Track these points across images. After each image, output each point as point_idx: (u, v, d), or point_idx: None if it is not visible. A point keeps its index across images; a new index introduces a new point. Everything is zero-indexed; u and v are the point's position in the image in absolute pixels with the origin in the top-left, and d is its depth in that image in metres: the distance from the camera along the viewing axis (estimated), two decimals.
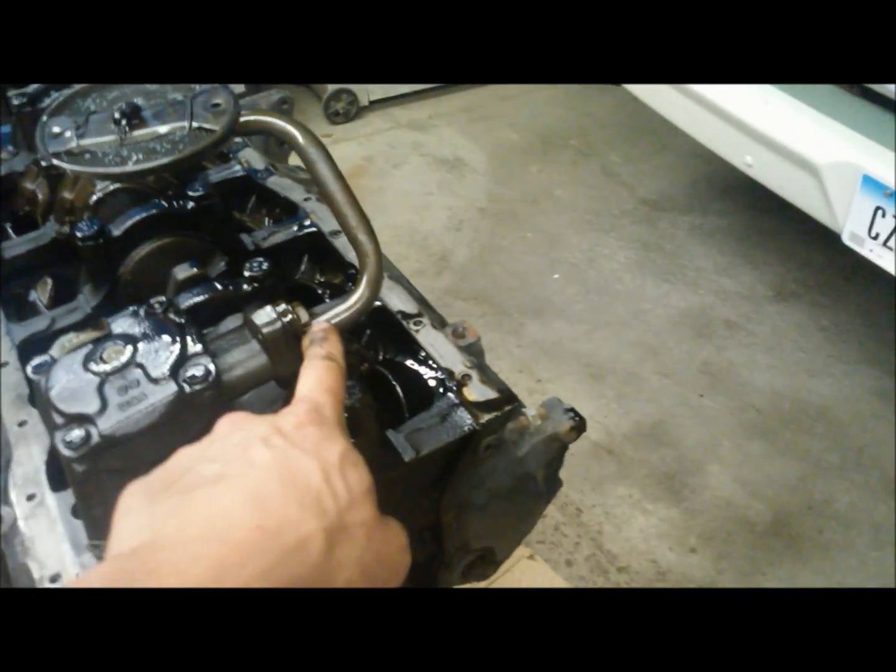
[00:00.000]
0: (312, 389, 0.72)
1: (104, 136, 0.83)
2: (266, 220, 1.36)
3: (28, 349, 1.14)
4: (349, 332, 0.97)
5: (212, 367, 0.74)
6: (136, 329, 0.77)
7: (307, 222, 1.27)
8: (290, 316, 0.79)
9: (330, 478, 0.62)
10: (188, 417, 0.74)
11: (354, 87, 4.73)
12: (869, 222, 2.59)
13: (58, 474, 0.97)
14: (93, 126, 0.83)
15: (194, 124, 0.83)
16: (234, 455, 0.63)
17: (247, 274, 1.03)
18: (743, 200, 4.06)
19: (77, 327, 1.16)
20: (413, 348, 1.14)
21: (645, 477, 2.90)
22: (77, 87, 0.89)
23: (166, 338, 0.76)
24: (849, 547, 2.65)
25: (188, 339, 0.76)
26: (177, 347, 0.75)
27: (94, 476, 0.74)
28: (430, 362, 1.10)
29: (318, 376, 0.73)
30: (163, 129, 0.83)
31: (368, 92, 4.80)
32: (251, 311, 0.84)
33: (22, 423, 1.02)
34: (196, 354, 0.75)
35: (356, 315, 0.86)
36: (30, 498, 0.94)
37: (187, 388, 0.73)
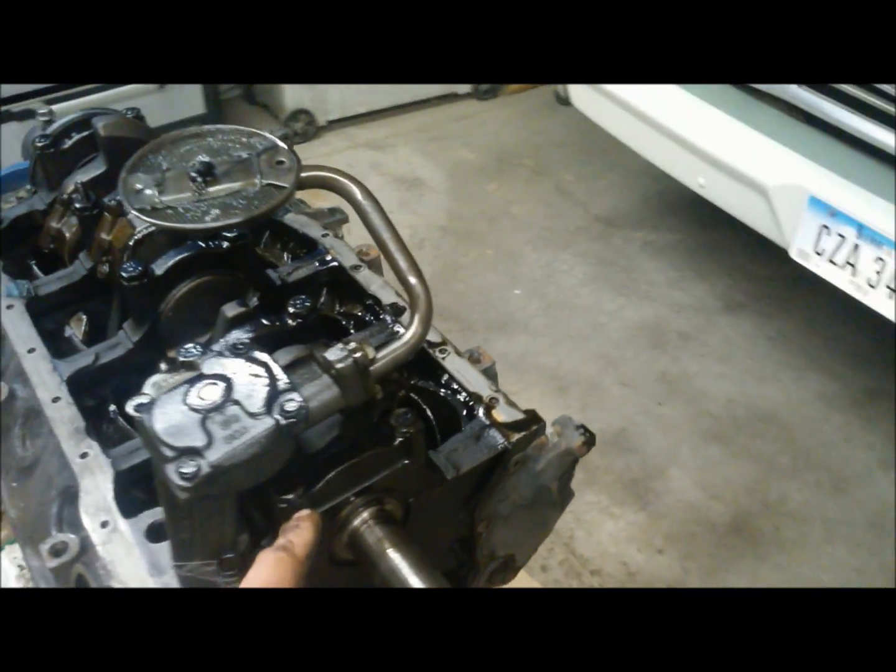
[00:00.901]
0: (249, 583, 0.79)
1: (182, 193, 0.91)
2: (285, 255, 1.44)
3: (76, 384, 1.21)
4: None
5: (301, 401, 0.83)
6: (225, 368, 0.86)
7: (328, 257, 1.36)
8: (360, 353, 0.89)
9: None
10: (280, 448, 0.83)
11: (312, 107, 4.81)
12: (815, 239, 2.78)
13: (127, 503, 1.05)
14: (170, 183, 0.92)
15: (264, 181, 0.92)
16: None
17: (291, 310, 1.11)
18: (691, 217, 4.26)
19: (120, 362, 1.24)
20: (437, 374, 1.24)
21: (611, 483, 3.04)
22: (149, 143, 0.97)
23: (256, 376, 0.85)
24: (803, 542, 2.83)
25: (275, 375, 0.85)
26: (267, 384, 0.84)
27: (194, 503, 0.83)
28: (456, 387, 1.21)
29: (257, 576, 0.81)
30: (235, 185, 0.92)
31: (326, 112, 4.88)
32: (318, 348, 0.93)
33: (84, 455, 1.09)
34: (285, 390, 0.84)
35: (411, 350, 0.96)
36: (104, 525, 1.01)
37: (282, 421, 0.82)
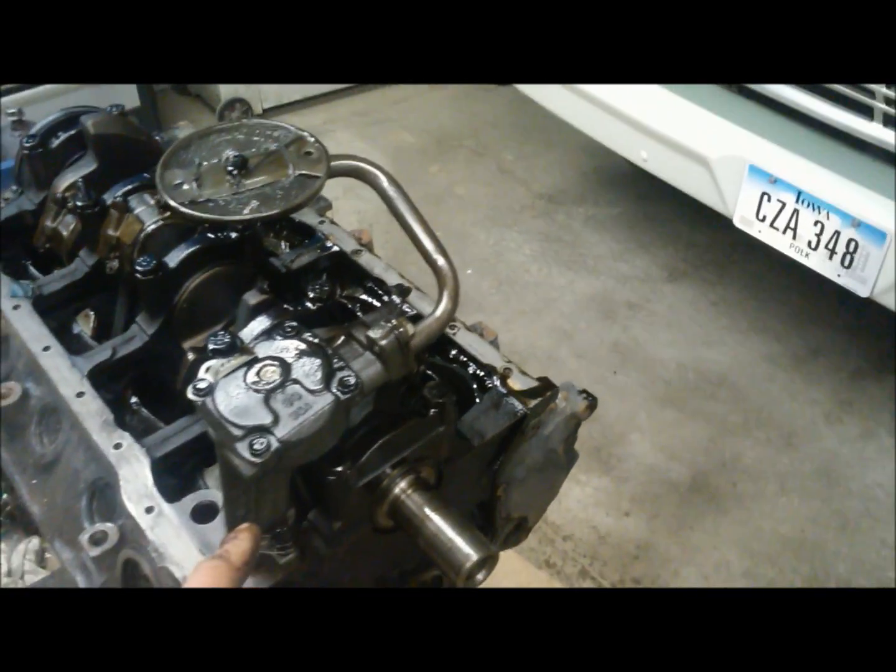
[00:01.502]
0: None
1: (220, 186, 0.94)
2: (283, 243, 1.48)
3: (95, 379, 1.23)
4: None
5: (354, 376, 0.88)
6: (280, 351, 0.90)
7: (329, 244, 1.40)
8: (401, 328, 0.94)
9: None
10: (340, 420, 0.88)
11: (247, 95, 4.77)
12: (756, 207, 2.92)
13: (163, 489, 1.08)
14: (207, 177, 0.95)
15: (296, 172, 0.96)
16: None
17: (311, 294, 1.16)
18: (630, 190, 4.39)
19: (137, 355, 1.26)
20: (445, 349, 1.30)
21: None
22: (178, 137, 1.00)
23: (310, 356, 0.89)
24: (760, 496, 2.98)
25: (328, 353, 0.90)
26: (322, 362, 0.89)
27: (258, 480, 0.87)
28: (465, 360, 1.27)
29: (194, 578, 0.84)
30: (269, 177, 0.96)
31: (261, 100, 4.86)
32: (357, 328, 0.98)
33: (118, 446, 1.12)
34: (339, 368, 0.89)
35: (442, 325, 1.01)
36: (149, 510, 1.04)
37: (341, 396, 0.87)
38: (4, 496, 1.75)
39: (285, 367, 0.89)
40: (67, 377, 1.21)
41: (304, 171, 0.96)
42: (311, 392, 0.87)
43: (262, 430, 0.84)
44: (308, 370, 0.88)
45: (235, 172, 0.95)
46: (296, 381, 0.87)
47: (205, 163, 0.97)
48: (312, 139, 1.00)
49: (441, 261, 1.01)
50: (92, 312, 1.36)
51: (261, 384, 0.87)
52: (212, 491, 1.09)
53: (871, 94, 2.59)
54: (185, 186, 0.95)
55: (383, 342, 0.93)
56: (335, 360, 0.90)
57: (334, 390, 0.87)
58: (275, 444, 0.83)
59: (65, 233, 1.42)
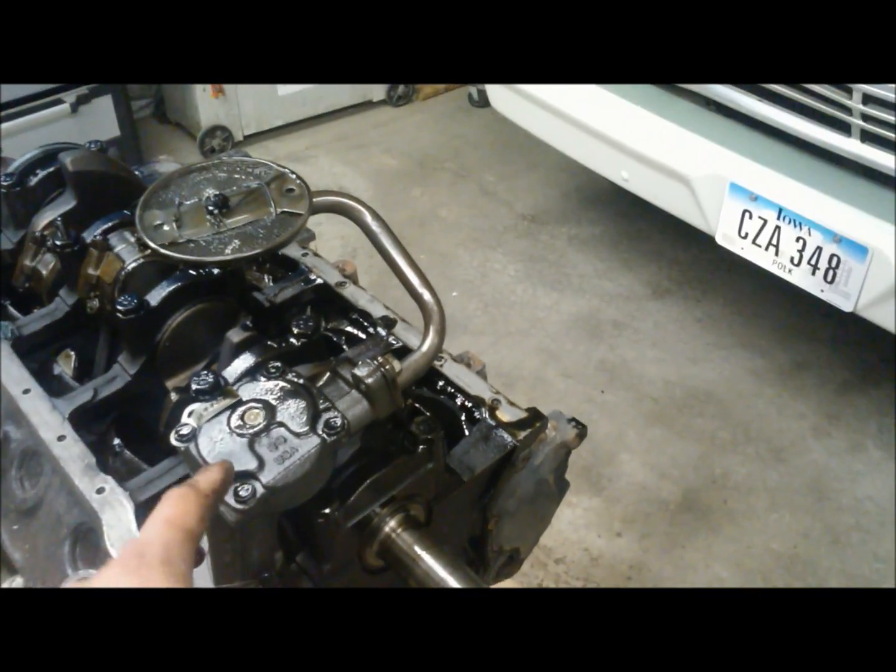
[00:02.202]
0: (148, 524, 0.76)
1: (201, 226, 0.93)
2: (265, 277, 1.46)
3: (76, 421, 1.21)
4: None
5: (340, 417, 0.87)
6: (264, 393, 0.88)
7: (312, 276, 1.39)
8: (387, 366, 0.93)
9: None
10: (326, 462, 0.87)
11: (228, 123, 4.77)
12: (738, 224, 2.93)
13: None
14: (187, 217, 0.94)
15: (278, 210, 0.95)
16: None
17: (296, 330, 1.15)
18: (612, 209, 4.41)
19: (119, 395, 1.24)
20: (433, 381, 1.29)
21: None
22: (156, 180, 0.98)
23: (295, 397, 0.88)
24: (751, 513, 2.97)
25: (313, 394, 0.89)
26: (307, 404, 0.87)
27: (243, 525, 0.85)
28: (452, 391, 1.26)
29: (159, 510, 0.77)
30: (251, 215, 0.95)
31: (242, 127, 4.85)
32: (342, 365, 0.97)
33: (100, 490, 1.10)
34: (325, 409, 0.88)
35: (429, 360, 1.01)
36: None
37: (328, 438, 0.85)
38: None
39: (270, 409, 0.87)
40: (48, 420, 1.19)
41: (286, 209, 0.95)
42: (297, 435, 0.85)
43: (247, 475, 0.83)
44: (293, 412, 0.87)
45: (216, 212, 0.94)
46: (281, 424, 0.86)
47: (185, 202, 0.96)
48: (294, 176, 0.99)
49: (427, 295, 1.00)
50: (73, 352, 1.34)
51: (245, 428, 0.86)
52: None
53: (848, 111, 2.62)
54: (166, 227, 0.94)
55: (369, 380, 0.92)
56: (320, 401, 0.89)
57: (320, 432, 0.86)
58: (260, 491, 0.82)
59: (44, 272, 1.40)
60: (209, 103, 4.65)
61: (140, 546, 0.72)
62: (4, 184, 1.42)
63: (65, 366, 1.34)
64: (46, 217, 1.41)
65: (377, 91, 5.27)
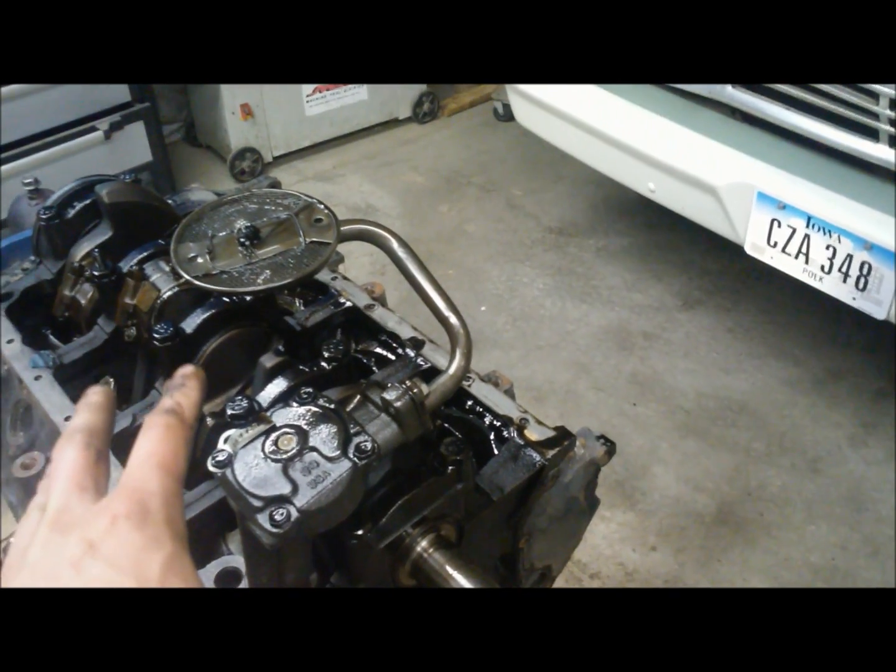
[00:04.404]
0: (142, 466, 0.68)
1: (233, 257, 0.96)
2: (297, 300, 1.49)
3: (116, 447, 1.24)
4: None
5: (371, 440, 0.89)
6: (296, 418, 0.91)
7: (342, 299, 1.42)
8: (415, 389, 0.95)
9: None
10: (357, 486, 0.89)
11: (257, 144, 4.84)
12: (767, 233, 2.92)
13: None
14: (220, 249, 0.97)
15: (307, 240, 0.98)
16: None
17: (326, 354, 1.17)
18: (639, 220, 4.41)
19: None
20: (461, 400, 1.30)
21: (598, 486, 3.12)
22: (190, 212, 1.02)
23: (327, 422, 0.90)
24: (787, 525, 2.95)
25: (343, 418, 0.91)
26: (338, 428, 0.89)
27: (279, 549, 0.88)
28: (481, 410, 1.27)
29: (150, 447, 0.69)
30: (281, 246, 0.97)
31: (271, 148, 4.93)
32: (372, 388, 0.99)
33: None
34: (356, 433, 0.90)
35: (457, 382, 1.02)
36: None
37: (359, 462, 0.87)
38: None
39: (302, 434, 0.89)
40: None
41: (314, 239, 0.98)
42: (329, 459, 0.87)
43: (282, 500, 0.85)
44: (325, 437, 0.89)
45: (247, 243, 0.97)
46: (313, 449, 0.88)
47: (217, 234, 0.99)
48: (322, 206, 1.02)
49: (453, 318, 1.02)
50: (111, 379, 1.38)
51: (279, 453, 0.88)
52: (235, 556, 1.10)
53: (875, 116, 2.60)
54: (199, 259, 0.97)
55: (398, 403, 0.94)
56: (351, 425, 0.91)
57: (352, 456, 0.88)
58: (294, 514, 0.84)
59: (83, 301, 1.44)
60: (238, 126, 4.73)
61: (142, 496, 0.65)
62: (44, 217, 1.47)
63: None
64: (84, 248, 1.45)
65: (403, 109, 5.32)
